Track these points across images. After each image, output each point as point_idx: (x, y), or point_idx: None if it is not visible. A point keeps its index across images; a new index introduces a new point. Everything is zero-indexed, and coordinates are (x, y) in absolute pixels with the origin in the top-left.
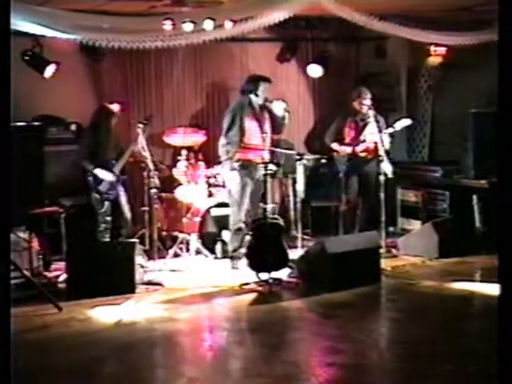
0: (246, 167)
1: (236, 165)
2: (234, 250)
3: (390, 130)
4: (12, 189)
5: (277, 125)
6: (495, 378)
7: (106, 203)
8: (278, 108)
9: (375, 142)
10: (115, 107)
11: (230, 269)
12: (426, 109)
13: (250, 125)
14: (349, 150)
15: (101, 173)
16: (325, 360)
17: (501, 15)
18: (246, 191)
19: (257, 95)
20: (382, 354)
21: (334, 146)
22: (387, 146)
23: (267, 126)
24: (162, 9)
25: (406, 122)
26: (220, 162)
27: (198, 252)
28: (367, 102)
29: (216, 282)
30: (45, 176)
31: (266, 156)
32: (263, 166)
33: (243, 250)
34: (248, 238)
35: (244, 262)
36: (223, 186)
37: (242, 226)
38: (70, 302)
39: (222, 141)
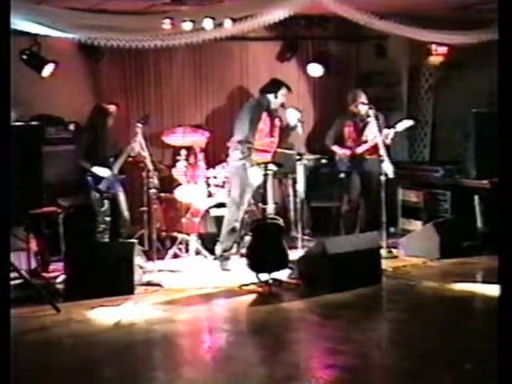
0: None
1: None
2: (225, 251)
3: (392, 131)
4: (11, 189)
5: (284, 135)
6: (495, 378)
7: (106, 202)
8: (291, 116)
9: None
10: (111, 107)
11: (221, 270)
12: (427, 108)
13: (263, 126)
14: (349, 152)
15: (99, 170)
16: (325, 361)
17: (501, 15)
18: (247, 192)
19: (276, 97)
20: (383, 355)
21: (335, 148)
22: (389, 141)
23: (276, 133)
24: (161, 7)
25: (408, 123)
26: (221, 162)
27: (197, 252)
28: (364, 103)
29: (215, 282)
30: (43, 176)
31: (269, 159)
32: (263, 166)
33: (234, 251)
34: (248, 238)
35: (234, 262)
36: (222, 187)
37: (237, 226)
38: (69, 303)
39: (247, 135)
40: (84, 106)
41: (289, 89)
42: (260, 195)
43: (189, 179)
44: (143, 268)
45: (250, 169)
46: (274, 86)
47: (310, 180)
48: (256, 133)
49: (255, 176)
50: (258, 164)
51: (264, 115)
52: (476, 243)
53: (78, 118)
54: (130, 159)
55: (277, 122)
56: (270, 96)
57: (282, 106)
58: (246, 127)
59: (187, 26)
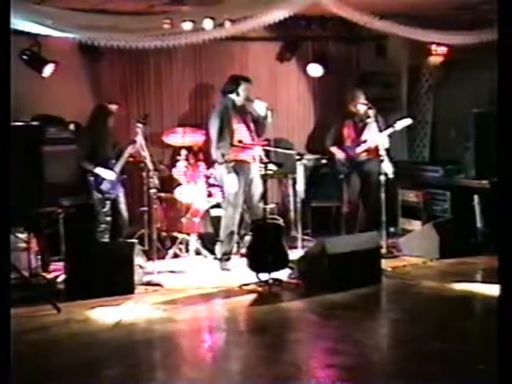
0: (239, 168)
1: (231, 166)
2: (225, 254)
3: (390, 129)
4: (11, 189)
5: (259, 126)
6: (496, 378)
7: (108, 202)
8: (259, 107)
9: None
10: (112, 107)
11: (221, 270)
12: (426, 108)
13: (238, 125)
14: (344, 155)
15: (102, 172)
16: (325, 361)
17: (500, 15)
18: (240, 192)
19: (238, 94)
20: (382, 354)
21: (334, 149)
22: (387, 145)
23: (252, 127)
24: (161, 8)
25: (407, 121)
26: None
27: (197, 252)
28: (362, 103)
29: (215, 282)
30: (43, 176)
31: (257, 155)
32: (263, 165)
33: (234, 251)
34: (248, 238)
35: (234, 262)
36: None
37: (235, 229)
38: (69, 302)
39: (216, 144)
40: (84, 106)
41: (247, 81)
42: (257, 196)
43: (189, 179)
44: (143, 268)
45: (225, 176)
46: (233, 83)
47: (309, 180)
48: (233, 134)
49: (231, 184)
50: (237, 166)
51: (235, 115)
52: (476, 243)
53: (78, 118)
54: (131, 159)
55: (248, 116)
56: (232, 95)
57: (249, 99)
58: (215, 134)
59: (187, 26)
